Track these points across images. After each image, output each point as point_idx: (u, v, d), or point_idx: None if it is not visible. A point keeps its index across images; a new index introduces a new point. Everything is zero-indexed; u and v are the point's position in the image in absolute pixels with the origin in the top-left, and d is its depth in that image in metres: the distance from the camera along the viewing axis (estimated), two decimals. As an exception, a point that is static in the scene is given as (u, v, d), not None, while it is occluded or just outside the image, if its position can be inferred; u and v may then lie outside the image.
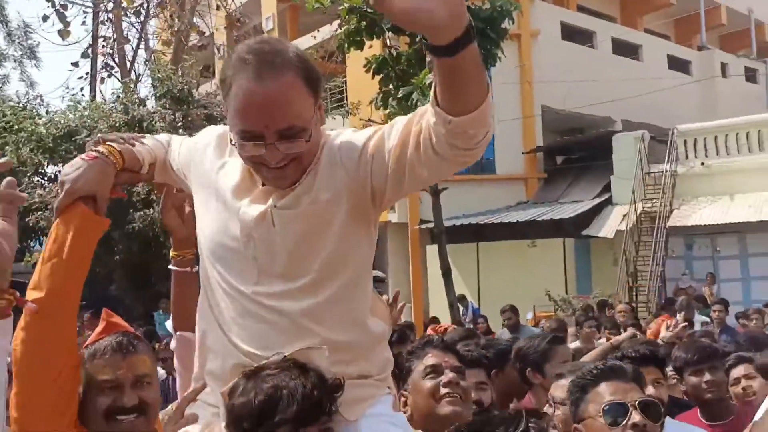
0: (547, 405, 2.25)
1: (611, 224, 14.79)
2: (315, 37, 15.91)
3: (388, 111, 11.52)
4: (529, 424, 1.11)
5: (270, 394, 1.35)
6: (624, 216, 14.59)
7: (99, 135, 1.68)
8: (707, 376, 2.93)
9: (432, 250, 13.30)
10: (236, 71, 1.42)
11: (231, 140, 1.52)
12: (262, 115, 1.40)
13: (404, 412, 1.98)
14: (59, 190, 1.55)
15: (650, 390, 2.59)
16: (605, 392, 1.72)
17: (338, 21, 12.29)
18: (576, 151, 17.88)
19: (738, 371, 3.06)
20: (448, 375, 2.01)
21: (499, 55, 11.90)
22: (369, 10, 11.32)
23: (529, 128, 17.27)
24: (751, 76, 22.99)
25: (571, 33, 18.96)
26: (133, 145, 1.67)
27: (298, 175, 1.49)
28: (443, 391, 1.99)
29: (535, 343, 2.98)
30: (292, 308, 1.50)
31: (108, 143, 1.63)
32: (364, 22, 11.59)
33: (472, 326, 10.21)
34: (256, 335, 1.50)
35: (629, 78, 18.17)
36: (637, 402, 1.68)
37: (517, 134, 17.09)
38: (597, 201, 15.49)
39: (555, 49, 17.81)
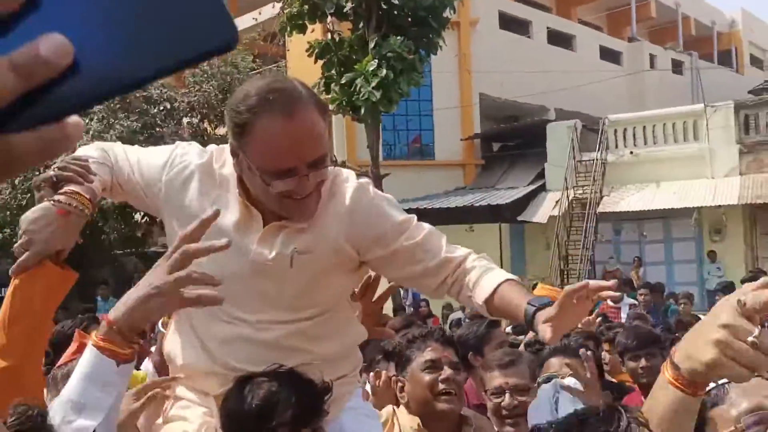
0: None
1: (544, 210, 15.31)
2: (257, 19, 15.69)
3: (330, 96, 11.56)
4: (630, 419, 1.09)
5: (265, 398, 1.39)
6: (557, 202, 15.12)
7: (52, 173, 1.51)
8: (643, 362, 3.08)
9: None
10: (259, 111, 1.39)
11: (216, 169, 1.54)
12: (298, 150, 1.41)
13: (401, 398, 2.14)
14: (24, 245, 1.44)
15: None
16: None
17: (280, 3, 12.19)
18: (512, 138, 18.34)
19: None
20: (447, 372, 2.09)
21: (440, 43, 12.08)
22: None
23: (467, 116, 17.60)
24: (677, 68, 23.99)
25: (508, 22, 19.35)
26: (92, 181, 1.53)
27: (316, 205, 1.52)
28: (441, 387, 2.07)
29: (474, 328, 3.16)
30: (288, 330, 1.58)
31: (72, 189, 1.49)
32: (306, 6, 11.54)
33: (413, 309, 10.44)
34: (248, 354, 1.54)
35: (563, 67, 18.73)
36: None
37: (455, 121, 17.40)
38: (531, 187, 15.98)
39: (493, 38, 18.16)
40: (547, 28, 20.43)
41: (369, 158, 12.20)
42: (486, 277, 1.53)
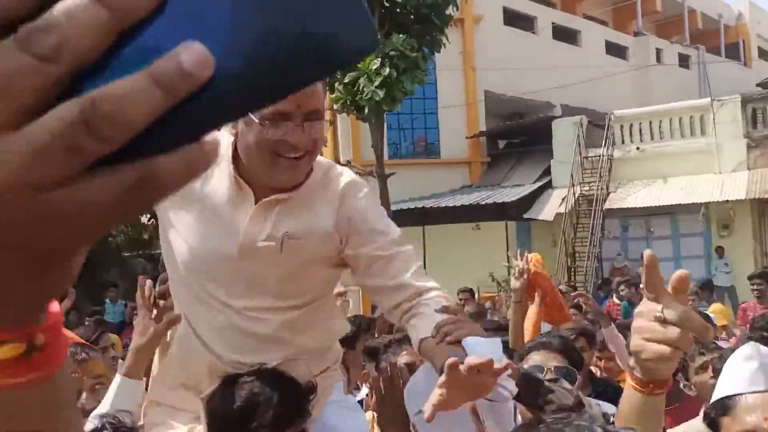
0: None
1: (551, 207, 15.25)
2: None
3: (334, 96, 11.55)
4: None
5: (248, 399, 1.41)
6: (563, 199, 15.06)
7: None
8: None
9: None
10: None
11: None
12: (296, 94, 1.43)
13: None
14: None
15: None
16: None
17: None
18: (518, 135, 18.28)
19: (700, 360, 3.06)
20: None
21: (443, 41, 12.05)
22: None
23: (472, 113, 17.55)
24: (684, 62, 23.84)
25: (512, 18, 19.27)
26: None
27: (306, 171, 1.54)
28: None
29: None
30: (275, 320, 1.58)
31: None
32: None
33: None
34: (238, 344, 1.57)
35: (568, 63, 18.65)
36: None
37: (461, 119, 17.35)
38: (537, 185, 15.91)
39: (497, 34, 18.09)
40: (552, 23, 20.33)
41: (374, 157, 12.18)
42: (429, 320, 1.47)
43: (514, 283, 3.55)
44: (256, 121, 1.42)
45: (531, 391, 1.27)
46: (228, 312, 1.57)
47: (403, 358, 2.13)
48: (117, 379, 1.66)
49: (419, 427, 1.34)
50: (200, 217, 1.56)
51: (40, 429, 0.33)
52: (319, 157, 1.61)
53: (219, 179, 1.55)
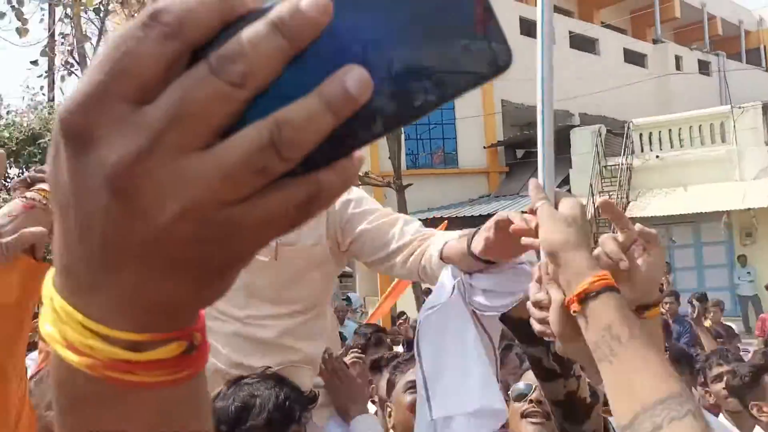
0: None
1: (570, 217, 15.16)
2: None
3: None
4: None
5: (245, 401, 1.46)
6: (582, 208, 14.99)
7: (27, 174, 1.57)
8: None
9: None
10: None
11: None
12: None
13: (389, 423, 2.17)
14: None
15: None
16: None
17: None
18: (536, 144, 18.12)
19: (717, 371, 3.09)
20: None
21: (459, 53, 12.12)
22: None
23: (490, 123, 17.58)
24: (704, 69, 23.66)
25: (529, 28, 19.28)
26: None
27: None
28: None
29: None
30: (276, 326, 1.67)
31: (41, 187, 1.54)
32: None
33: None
34: (242, 349, 1.65)
35: (587, 72, 18.61)
36: None
37: (478, 129, 17.40)
38: (556, 194, 15.85)
39: (513, 44, 17.22)
40: (569, 32, 20.32)
41: (392, 168, 12.26)
42: (442, 238, 1.52)
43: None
44: None
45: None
46: (232, 322, 1.65)
47: (410, 375, 2.17)
48: None
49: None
50: None
51: (192, 425, 0.36)
52: None
53: None
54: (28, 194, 1.49)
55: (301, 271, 1.67)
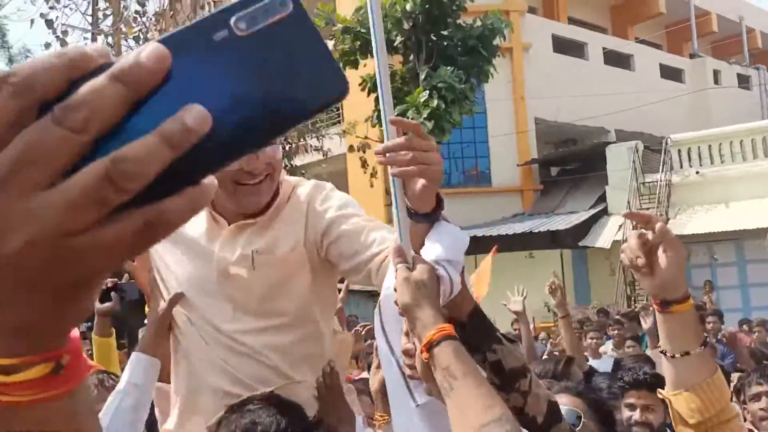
0: None
1: (607, 234, 14.90)
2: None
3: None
4: None
5: (247, 428, 1.41)
6: (620, 226, 14.70)
7: None
8: None
9: (430, 265, 13.39)
10: None
11: None
12: None
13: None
14: None
15: (636, 415, 2.66)
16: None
17: (332, 41, 12.46)
18: (571, 162, 18.02)
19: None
20: None
21: (491, 71, 12.07)
22: (362, 30, 11.50)
23: (523, 141, 17.43)
24: (743, 83, 23.17)
25: (562, 45, 19.16)
26: None
27: (270, 194, 1.61)
28: None
29: (550, 366, 3.06)
30: (266, 345, 1.61)
31: None
32: (358, 42, 11.76)
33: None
34: (232, 372, 1.61)
35: (622, 88, 18.36)
36: None
37: (511, 147, 17.26)
38: (593, 211, 15.60)
39: (547, 62, 18.00)
40: (603, 48, 20.12)
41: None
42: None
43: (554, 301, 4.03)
44: None
45: (477, 329, 1.25)
46: (222, 338, 1.62)
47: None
48: (132, 356, 1.70)
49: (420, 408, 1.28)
50: (184, 251, 1.67)
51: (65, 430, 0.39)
52: (288, 178, 1.71)
53: (197, 217, 1.60)
54: None
55: (281, 280, 1.62)
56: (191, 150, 0.34)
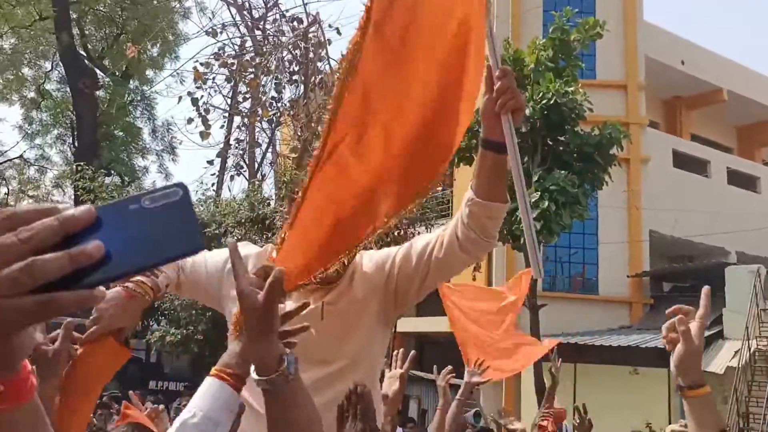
0: None
1: (722, 359, 14.01)
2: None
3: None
4: None
5: None
6: (736, 352, 13.82)
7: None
8: None
9: (527, 366, 13.11)
10: None
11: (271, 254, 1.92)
12: None
13: None
14: (93, 321, 1.67)
15: None
16: None
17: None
18: (685, 279, 17.30)
19: None
20: None
21: (606, 179, 12.11)
22: (479, 129, 11.98)
23: (635, 252, 17.01)
24: None
25: (683, 161, 18.86)
26: (158, 276, 1.86)
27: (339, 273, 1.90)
28: None
29: None
30: (325, 394, 1.78)
31: (140, 279, 1.79)
32: (474, 140, 12.22)
33: None
34: None
35: (746, 209, 17.69)
36: None
37: (622, 257, 16.87)
38: (707, 333, 14.65)
39: (666, 176, 17.74)
40: (727, 168, 19.59)
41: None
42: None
43: None
44: None
45: None
46: None
47: None
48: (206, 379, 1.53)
49: None
50: None
51: None
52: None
53: None
54: (129, 285, 1.76)
55: (344, 328, 1.87)
56: (90, 267, 0.57)
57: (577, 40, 11.90)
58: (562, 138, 11.79)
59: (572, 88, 11.77)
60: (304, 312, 1.78)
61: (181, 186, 0.62)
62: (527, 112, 11.93)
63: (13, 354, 0.59)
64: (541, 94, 11.77)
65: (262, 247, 2.09)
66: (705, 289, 1.57)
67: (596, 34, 12.04)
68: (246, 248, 2.05)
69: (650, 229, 17.22)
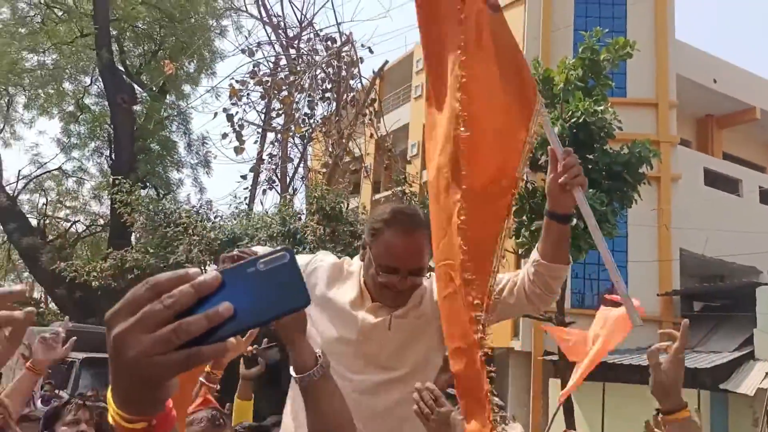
0: None
1: (752, 380, 13.83)
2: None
3: (519, 240, 11.98)
4: None
5: None
6: (767, 374, 13.65)
7: (234, 253, 1.84)
8: None
9: (555, 384, 13.12)
10: (389, 223, 2.02)
11: (346, 267, 2.18)
12: (405, 258, 2.03)
13: None
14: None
15: None
16: None
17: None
18: (716, 298, 17.12)
19: None
20: None
21: (635, 197, 12.12)
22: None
23: (665, 271, 16.90)
24: None
25: (714, 179, 18.72)
26: None
27: (407, 298, 2.10)
28: None
29: None
30: (384, 397, 2.03)
31: None
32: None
33: None
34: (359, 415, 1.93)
35: (779, 228, 17.48)
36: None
37: (652, 276, 16.78)
38: (737, 354, 14.61)
39: (697, 194, 17.64)
40: (760, 187, 19.38)
41: (554, 304, 12.22)
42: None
43: None
44: (373, 266, 2.04)
45: None
46: (347, 386, 1.95)
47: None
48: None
49: None
50: (331, 315, 2.13)
51: None
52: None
53: (350, 287, 2.15)
54: None
55: (408, 339, 2.07)
56: (221, 324, 0.67)
57: (607, 59, 11.98)
58: (591, 156, 11.84)
59: (602, 107, 11.83)
60: (375, 321, 2.06)
61: (288, 251, 0.75)
62: (556, 130, 12.00)
63: (164, 396, 0.73)
64: (570, 113, 11.86)
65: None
66: (684, 322, 1.76)
67: (626, 54, 12.11)
68: (326, 257, 2.27)
69: (681, 247, 17.12)
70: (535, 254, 2.01)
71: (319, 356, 1.46)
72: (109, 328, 0.69)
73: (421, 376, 2.04)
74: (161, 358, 0.66)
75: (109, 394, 0.73)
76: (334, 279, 2.18)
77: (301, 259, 2.24)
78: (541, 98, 2.10)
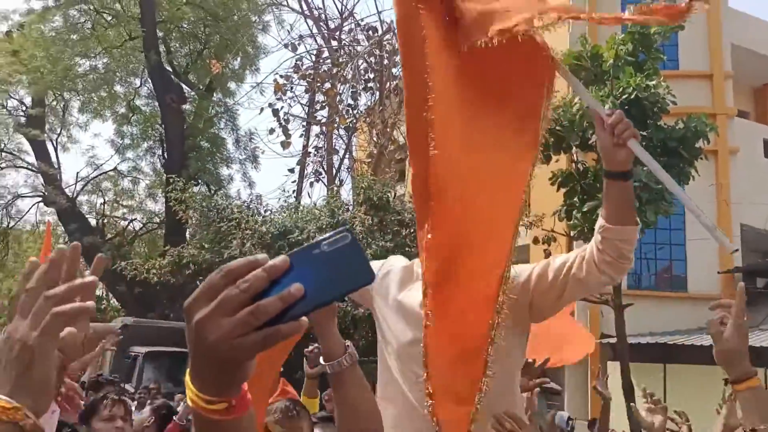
0: None
1: (821, 358, 13.30)
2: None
3: (572, 222, 11.75)
4: None
5: None
6: (837, 351, 13.10)
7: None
8: None
9: (613, 367, 12.88)
10: None
11: (416, 269, 2.17)
12: None
13: None
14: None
15: None
16: None
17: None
18: (781, 275, 16.51)
19: None
20: None
21: (692, 173, 11.75)
22: (558, 127, 11.86)
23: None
24: None
25: (775, 150, 17.99)
26: None
27: None
28: None
29: None
30: None
31: None
32: (552, 138, 12.09)
33: None
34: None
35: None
36: None
37: (712, 253, 16.26)
38: (806, 331, 14.09)
39: (756, 167, 16.98)
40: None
41: (610, 287, 11.97)
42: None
43: None
44: None
45: None
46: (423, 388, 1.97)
47: None
48: None
49: None
50: (405, 317, 2.14)
51: None
52: None
53: (417, 291, 2.10)
54: None
55: None
56: (294, 303, 0.71)
57: (658, 32, 11.60)
58: (645, 133, 11.50)
59: (654, 82, 11.48)
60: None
61: (349, 231, 0.78)
62: (606, 107, 11.68)
63: (243, 377, 0.76)
64: (621, 90, 11.55)
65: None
66: (740, 285, 1.71)
67: (678, 25, 11.70)
68: (397, 261, 2.32)
69: (741, 222, 16.52)
70: (600, 221, 1.95)
71: (348, 345, 1.49)
72: (189, 315, 0.72)
73: (501, 374, 1.99)
74: (242, 340, 0.70)
75: (187, 379, 0.77)
76: (406, 282, 2.19)
77: (373, 265, 2.26)
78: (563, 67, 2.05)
